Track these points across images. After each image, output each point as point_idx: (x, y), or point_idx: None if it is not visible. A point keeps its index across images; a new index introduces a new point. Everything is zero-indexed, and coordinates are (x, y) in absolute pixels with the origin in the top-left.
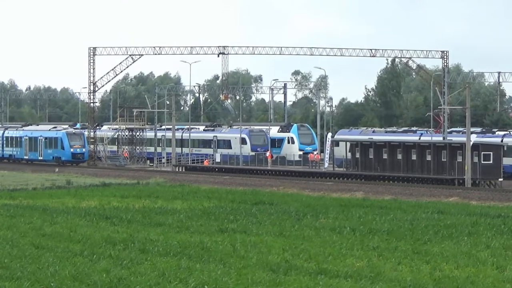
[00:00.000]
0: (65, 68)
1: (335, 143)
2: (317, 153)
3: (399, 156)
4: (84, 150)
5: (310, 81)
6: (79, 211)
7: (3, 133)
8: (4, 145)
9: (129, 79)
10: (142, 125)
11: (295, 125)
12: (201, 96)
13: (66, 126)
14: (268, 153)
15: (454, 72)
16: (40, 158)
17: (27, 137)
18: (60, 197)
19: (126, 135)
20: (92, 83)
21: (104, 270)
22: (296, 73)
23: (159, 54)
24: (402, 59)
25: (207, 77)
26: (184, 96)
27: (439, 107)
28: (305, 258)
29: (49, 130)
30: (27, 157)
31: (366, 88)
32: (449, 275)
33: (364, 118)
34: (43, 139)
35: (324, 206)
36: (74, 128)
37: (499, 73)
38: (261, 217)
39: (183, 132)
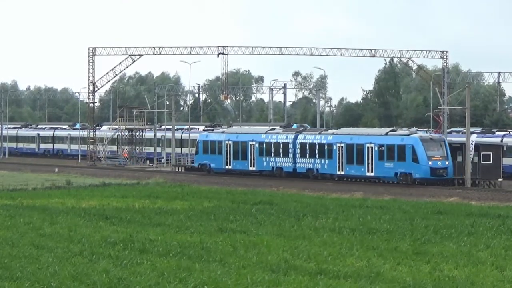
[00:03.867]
0: (65, 68)
1: None
2: None
3: None
4: (447, 163)
5: (310, 81)
6: (79, 211)
7: (296, 138)
8: (298, 155)
9: (126, 78)
10: (142, 125)
11: (294, 125)
12: (200, 96)
13: (415, 129)
14: None
15: (454, 72)
16: (369, 174)
17: (342, 144)
18: (60, 197)
19: (126, 135)
20: (91, 83)
21: (103, 270)
22: (297, 74)
23: (158, 54)
24: (402, 59)
25: (207, 77)
26: (183, 96)
27: (438, 107)
28: (304, 258)
29: (386, 134)
30: (341, 173)
31: (363, 90)
32: (449, 275)
33: (364, 118)
34: (376, 147)
35: (323, 206)
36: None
37: (498, 73)
38: (260, 217)
39: (182, 132)
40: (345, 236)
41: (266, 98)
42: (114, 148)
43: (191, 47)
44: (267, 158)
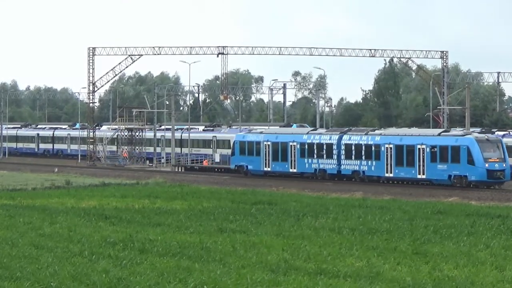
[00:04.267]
0: (64, 68)
1: None
2: None
3: None
4: (504, 165)
5: (310, 81)
6: (79, 211)
7: (340, 139)
8: (343, 157)
9: (125, 78)
10: (142, 125)
11: (294, 125)
12: (200, 96)
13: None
14: None
15: (453, 72)
16: (421, 176)
17: (390, 145)
18: (59, 197)
19: (126, 135)
20: (91, 83)
21: (103, 270)
22: (296, 74)
23: (158, 54)
24: (402, 59)
25: (207, 77)
26: (183, 96)
27: (438, 107)
28: (304, 258)
29: (439, 134)
30: (390, 175)
31: (362, 90)
32: (449, 275)
33: (364, 118)
34: (428, 149)
35: (323, 206)
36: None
37: (498, 73)
38: (260, 217)
39: (182, 132)
40: (344, 236)
41: (266, 98)
42: (114, 148)
43: (191, 47)
44: (309, 159)
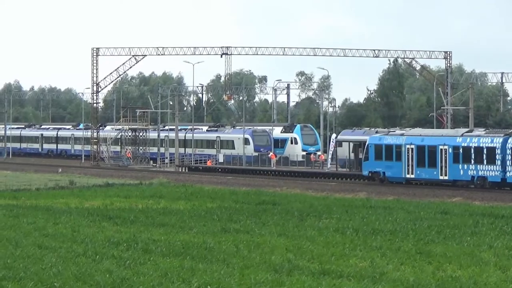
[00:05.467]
0: (68, 68)
1: (338, 143)
2: (320, 154)
3: None
4: None
5: (313, 81)
6: (82, 212)
7: (505, 142)
8: (509, 163)
9: (128, 78)
10: (145, 126)
11: (298, 125)
12: (204, 96)
13: None
14: (271, 154)
15: (457, 73)
16: None
17: None
18: (63, 197)
19: (129, 136)
20: (95, 84)
21: (107, 270)
22: (301, 74)
23: (162, 54)
24: (405, 59)
25: (210, 78)
26: (187, 97)
27: (442, 107)
28: (308, 258)
29: None
30: None
31: (367, 90)
32: (452, 275)
33: (368, 118)
34: None
35: (327, 206)
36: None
37: (502, 73)
38: (264, 218)
39: (186, 133)
40: (348, 236)
41: (269, 99)
42: (118, 148)
43: (195, 47)
44: (465, 165)
